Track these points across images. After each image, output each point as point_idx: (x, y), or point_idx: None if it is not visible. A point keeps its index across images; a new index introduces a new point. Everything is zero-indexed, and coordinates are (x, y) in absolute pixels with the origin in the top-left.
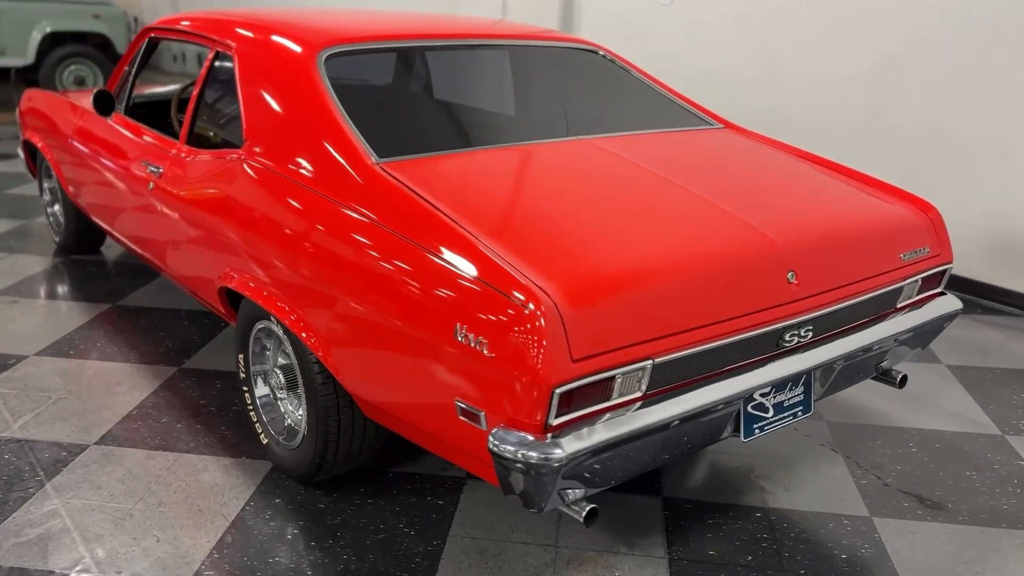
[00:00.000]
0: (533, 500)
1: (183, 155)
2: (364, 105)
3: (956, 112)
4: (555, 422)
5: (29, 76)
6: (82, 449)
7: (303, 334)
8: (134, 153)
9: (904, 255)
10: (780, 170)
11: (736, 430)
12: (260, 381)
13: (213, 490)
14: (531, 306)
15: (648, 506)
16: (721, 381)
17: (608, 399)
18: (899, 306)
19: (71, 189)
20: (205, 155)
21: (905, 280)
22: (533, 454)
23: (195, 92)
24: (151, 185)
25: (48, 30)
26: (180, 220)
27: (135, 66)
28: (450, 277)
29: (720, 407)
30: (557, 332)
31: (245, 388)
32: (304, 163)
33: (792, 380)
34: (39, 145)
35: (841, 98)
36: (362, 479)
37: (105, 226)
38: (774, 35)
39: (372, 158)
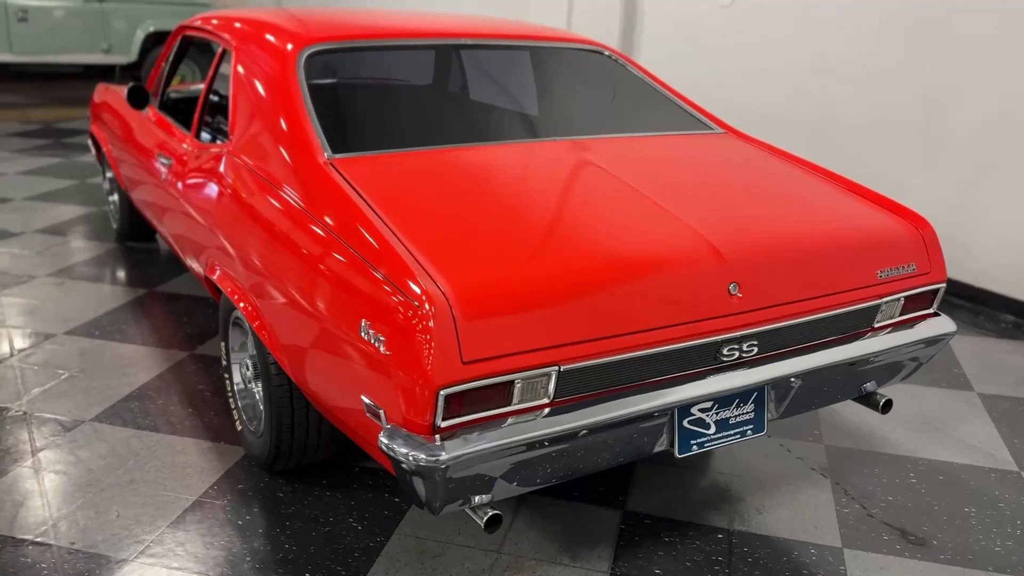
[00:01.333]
0: (423, 501)
1: (188, 148)
2: (337, 102)
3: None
4: (443, 424)
5: (133, 73)
6: (76, 425)
7: (255, 324)
8: (156, 146)
9: (882, 272)
10: (760, 179)
11: (672, 444)
12: (236, 369)
13: (185, 471)
14: (426, 306)
15: (606, 519)
16: (645, 392)
17: (508, 404)
18: (877, 325)
19: (122, 179)
20: (202, 148)
21: (882, 298)
22: (417, 455)
23: (204, 88)
24: (164, 176)
25: (151, 29)
26: (180, 210)
27: (169, 62)
28: (361, 273)
29: (640, 420)
30: (447, 333)
31: (226, 375)
32: (266, 156)
33: (739, 397)
34: (99, 137)
35: (895, 101)
36: (325, 472)
37: (144, 214)
38: (831, 38)
39: (324, 154)
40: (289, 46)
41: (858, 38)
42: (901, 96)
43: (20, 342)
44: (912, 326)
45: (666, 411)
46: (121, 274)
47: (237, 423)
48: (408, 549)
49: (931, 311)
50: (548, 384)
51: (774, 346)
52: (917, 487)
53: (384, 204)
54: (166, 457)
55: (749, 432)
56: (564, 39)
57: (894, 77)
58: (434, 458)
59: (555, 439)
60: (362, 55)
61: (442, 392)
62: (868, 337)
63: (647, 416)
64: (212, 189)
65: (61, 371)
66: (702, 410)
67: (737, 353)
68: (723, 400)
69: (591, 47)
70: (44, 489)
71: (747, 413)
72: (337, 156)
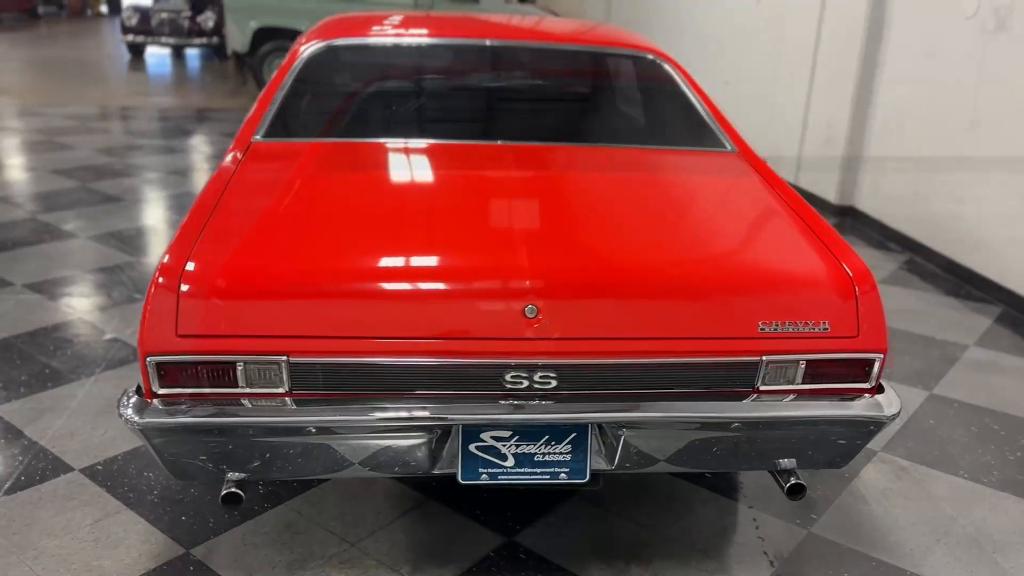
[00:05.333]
0: (156, 460)
1: None
2: (318, 91)
3: None
4: (162, 391)
5: (246, 60)
6: None
7: None
8: None
9: (766, 326)
10: (696, 206)
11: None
12: None
13: None
14: (159, 279)
15: (481, 542)
16: (404, 402)
17: (235, 386)
18: (763, 388)
19: None
20: None
21: (761, 356)
22: (124, 412)
23: None
24: None
25: (258, 26)
26: None
27: None
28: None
29: (391, 430)
30: (167, 306)
31: None
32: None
33: (549, 433)
34: None
35: None
36: None
37: None
38: None
39: (257, 135)
40: (305, 41)
41: None
42: None
43: None
44: (821, 398)
45: (431, 427)
46: None
47: None
48: (280, 520)
49: (867, 385)
50: (281, 374)
51: (588, 385)
52: None
53: (234, 188)
54: None
55: (563, 475)
56: (614, 43)
57: None
58: (130, 417)
59: (285, 430)
60: (364, 51)
61: (150, 359)
62: (753, 399)
63: (400, 428)
64: None
65: None
66: (496, 438)
67: (526, 383)
68: (526, 433)
69: (634, 51)
70: (81, 402)
71: (561, 454)
72: (263, 139)
